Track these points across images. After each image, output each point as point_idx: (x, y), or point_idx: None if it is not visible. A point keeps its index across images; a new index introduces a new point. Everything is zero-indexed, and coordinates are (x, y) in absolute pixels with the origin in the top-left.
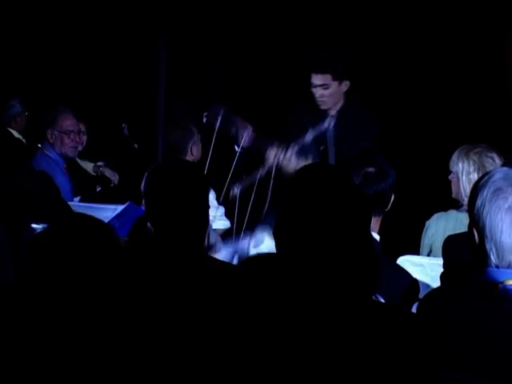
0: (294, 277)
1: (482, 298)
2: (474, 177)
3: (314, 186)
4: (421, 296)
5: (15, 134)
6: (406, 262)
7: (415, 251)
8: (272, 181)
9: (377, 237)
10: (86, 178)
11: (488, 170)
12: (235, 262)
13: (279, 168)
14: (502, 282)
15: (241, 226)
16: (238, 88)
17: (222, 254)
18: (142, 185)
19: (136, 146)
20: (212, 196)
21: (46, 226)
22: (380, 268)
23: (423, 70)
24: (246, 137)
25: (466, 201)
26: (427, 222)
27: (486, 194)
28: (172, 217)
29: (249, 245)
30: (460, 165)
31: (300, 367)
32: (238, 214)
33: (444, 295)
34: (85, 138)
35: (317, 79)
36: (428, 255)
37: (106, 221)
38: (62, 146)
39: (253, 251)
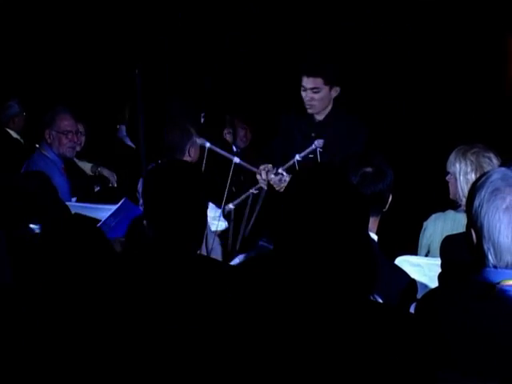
0: (291, 277)
1: (480, 298)
2: (472, 177)
3: (312, 186)
4: (419, 296)
5: (13, 134)
6: (403, 262)
7: (413, 251)
8: (260, 201)
9: (375, 237)
10: (83, 179)
11: (485, 170)
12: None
13: (271, 188)
14: (499, 283)
15: (234, 245)
16: (238, 88)
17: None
18: (139, 185)
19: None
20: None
21: (44, 226)
22: (377, 268)
23: (423, 70)
24: (235, 161)
25: (463, 201)
26: (425, 223)
27: (483, 194)
28: (170, 217)
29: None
30: (457, 165)
31: (298, 367)
32: (233, 232)
33: (441, 295)
34: (83, 138)
35: (308, 82)
36: (426, 256)
37: (103, 220)
38: (59, 147)
39: None
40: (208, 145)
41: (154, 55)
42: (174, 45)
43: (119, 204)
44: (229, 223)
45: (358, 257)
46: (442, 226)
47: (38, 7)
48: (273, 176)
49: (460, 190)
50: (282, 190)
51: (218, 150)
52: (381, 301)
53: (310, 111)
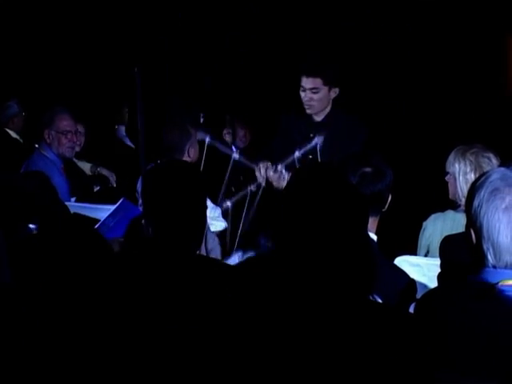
0: (290, 277)
1: (479, 298)
2: (471, 177)
3: (311, 186)
4: (418, 296)
5: (12, 134)
6: (403, 262)
7: (412, 251)
8: (258, 198)
9: (374, 237)
10: (83, 179)
11: (485, 170)
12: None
13: (269, 185)
14: (498, 283)
15: (233, 241)
16: (238, 88)
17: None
18: (138, 185)
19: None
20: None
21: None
22: (376, 268)
23: (422, 70)
24: (235, 156)
25: (463, 201)
26: (424, 223)
27: (483, 194)
28: (169, 217)
29: (237, 261)
30: (456, 165)
31: (296, 367)
32: (231, 230)
33: (441, 295)
34: (82, 138)
35: (307, 83)
36: (425, 256)
37: (101, 220)
38: (59, 147)
39: None
40: (208, 139)
41: (153, 55)
42: (173, 45)
43: (117, 204)
44: (226, 220)
45: (357, 257)
46: (441, 226)
47: (37, 8)
48: (272, 173)
49: (459, 190)
50: (280, 187)
51: (218, 144)
52: (380, 301)
53: (308, 111)
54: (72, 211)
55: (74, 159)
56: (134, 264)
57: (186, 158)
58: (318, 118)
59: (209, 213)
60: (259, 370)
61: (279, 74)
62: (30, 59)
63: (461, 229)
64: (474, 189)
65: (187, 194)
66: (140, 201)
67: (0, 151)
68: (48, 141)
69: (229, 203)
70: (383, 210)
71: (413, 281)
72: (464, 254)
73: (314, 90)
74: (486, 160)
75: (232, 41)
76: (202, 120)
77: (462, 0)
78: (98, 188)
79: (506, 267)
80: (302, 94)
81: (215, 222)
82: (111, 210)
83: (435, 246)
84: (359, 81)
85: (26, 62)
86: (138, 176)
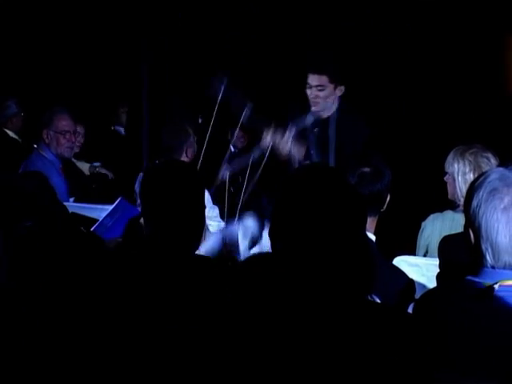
0: (289, 277)
1: (478, 298)
2: (470, 177)
3: (309, 186)
4: (417, 296)
5: (11, 134)
6: (402, 262)
7: (411, 252)
8: (263, 164)
9: (373, 237)
10: (81, 179)
11: (484, 170)
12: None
13: (274, 149)
14: (497, 283)
15: (232, 210)
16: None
17: (211, 240)
18: (136, 184)
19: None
20: (207, 196)
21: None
22: (375, 268)
23: (422, 70)
24: (246, 111)
25: (462, 201)
26: (423, 223)
27: (481, 194)
28: (168, 217)
29: (237, 232)
30: (455, 165)
31: (295, 367)
32: (229, 197)
33: (439, 296)
34: (81, 139)
35: (313, 80)
36: (424, 256)
37: (99, 221)
38: (57, 147)
39: (241, 239)
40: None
41: (153, 55)
42: (173, 45)
43: (115, 204)
44: (225, 187)
45: (356, 257)
46: (440, 226)
47: (36, 10)
48: (278, 137)
49: (458, 190)
50: (285, 152)
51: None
52: (379, 301)
53: (314, 109)
54: (70, 211)
55: (73, 159)
56: (133, 264)
57: (183, 157)
58: (324, 115)
59: (207, 212)
60: (259, 370)
61: (279, 74)
62: (29, 59)
63: (460, 229)
64: (472, 189)
65: (185, 193)
66: (138, 201)
67: None
68: (47, 141)
69: (227, 170)
70: (382, 210)
71: (412, 281)
72: (463, 254)
73: (319, 88)
74: (485, 160)
75: (232, 41)
76: (200, 121)
77: (461, 0)
78: (96, 186)
79: (504, 267)
80: (308, 91)
81: (213, 222)
82: (109, 210)
83: (434, 246)
84: (359, 81)
85: (25, 62)
86: (137, 176)
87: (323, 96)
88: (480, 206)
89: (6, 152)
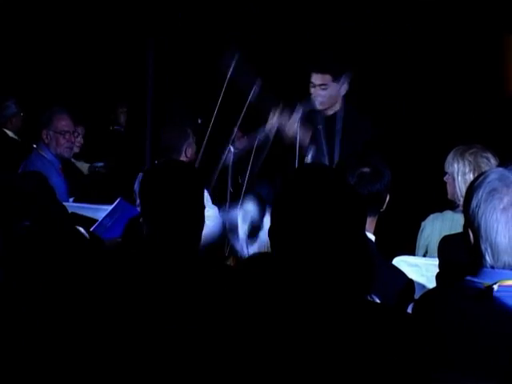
0: (288, 277)
1: (477, 298)
2: (470, 177)
3: (309, 186)
4: (416, 296)
5: (10, 134)
6: (401, 262)
7: (411, 252)
8: (268, 147)
9: (372, 237)
10: (81, 179)
11: (483, 170)
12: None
13: (280, 131)
14: (496, 283)
15: (234, 193)
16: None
17: (211, 224)
18: (136, 184)
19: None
20: (206, 196)
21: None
22: (374, 268)
23: (422, 70)
24: (255, 89)
25: (461, 201)
26: (423, 223)
27: (481, 194)
28: (167, 217)
29: (237, 216)
30: (455, 165)
31: (295, 367)
32: (232, 179)
33: (439, 296)
34: (81, 139)
35: (317, 79)
36: (424, 256)
37: (99, 221)
38: (57, 147)
39: (240, 223)
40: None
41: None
42: (173, 45)
43: (114, 204)
44: (228, 167)
45: (355, 257)
46: (439, 226)
47: (36, 9)
48: (285, 118)
49: (458, 190)
50: (290, 134)
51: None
52: (378, 301)
53: (318, 107)
54: (70, 211)
55: (72, 159)
56: (132, 264)
57: (182, 157)
58: (328, 113)
59: (207, 212)
60: (259, 370)
61: (278, 74)
62: (29, 59)
63: (459, 229)
64: (472, 189)
65: (185, 193)
66: (138, 201)
67: None
68: (46, 141)
69: (232, 149)
70: (381, 210)
71: (411, 281)
72: (462, 255)
73: (323, 87)
74: (485, 160)
75: (232, 41)
76: (199, 121)
77: (461, 0)
78: (93, 183)
79: (504, 267)
80: (312, 90)
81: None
82: (108, 210)
83: (433, 246)
84: (359, 81)
85: (25, 62)
86: (136, 176)
87: (327, 95)
88: (479, 206)
89: (5, 152)
